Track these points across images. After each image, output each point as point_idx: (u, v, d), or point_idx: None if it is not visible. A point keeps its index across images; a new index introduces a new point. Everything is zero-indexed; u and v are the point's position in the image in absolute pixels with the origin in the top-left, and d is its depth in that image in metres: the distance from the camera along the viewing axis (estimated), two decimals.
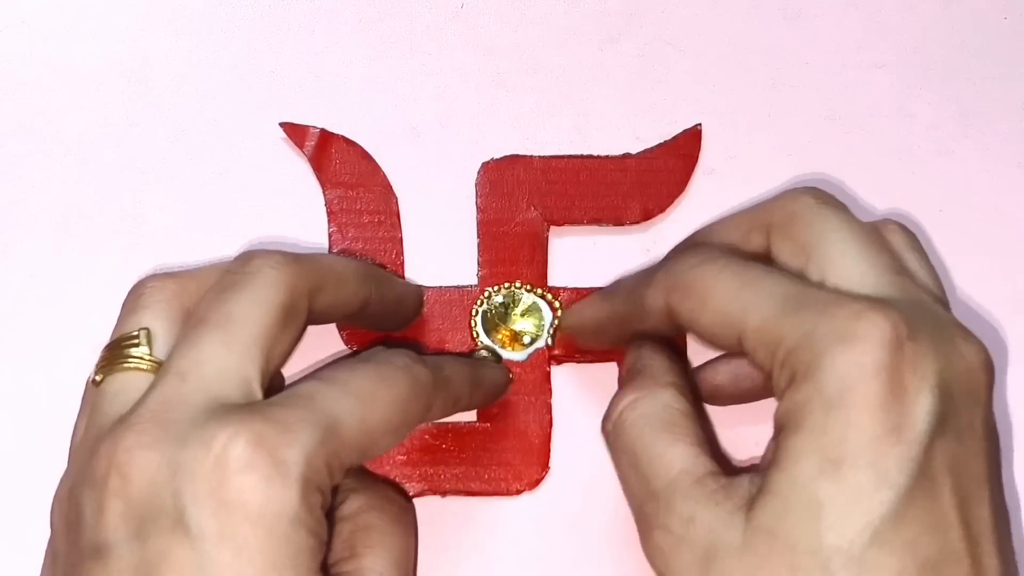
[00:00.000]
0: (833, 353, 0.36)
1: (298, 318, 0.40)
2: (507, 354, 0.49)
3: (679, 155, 0.51)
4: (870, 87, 0.53)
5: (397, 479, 0.48)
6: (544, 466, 0.49)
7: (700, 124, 0.52)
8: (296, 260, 0.40)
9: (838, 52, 0.53)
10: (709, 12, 0.53)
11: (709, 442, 0.42)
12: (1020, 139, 0.53)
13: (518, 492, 0.48)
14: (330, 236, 0.50)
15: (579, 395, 0.49)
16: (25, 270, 0.50)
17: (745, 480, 0.39)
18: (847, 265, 0.40)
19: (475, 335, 0.50)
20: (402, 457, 0.48)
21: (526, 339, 0.50)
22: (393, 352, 0.42)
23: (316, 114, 0.51)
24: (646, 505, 0.41)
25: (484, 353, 0.49)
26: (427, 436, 0.48)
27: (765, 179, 0.52)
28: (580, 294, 0.50)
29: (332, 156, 0.51)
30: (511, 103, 0.52)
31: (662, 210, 0.51)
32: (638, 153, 0.51)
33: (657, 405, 0.42)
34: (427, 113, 0.52)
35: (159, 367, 0.39)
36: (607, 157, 0.51)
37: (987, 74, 0.53)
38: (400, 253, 0.50)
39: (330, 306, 0.42)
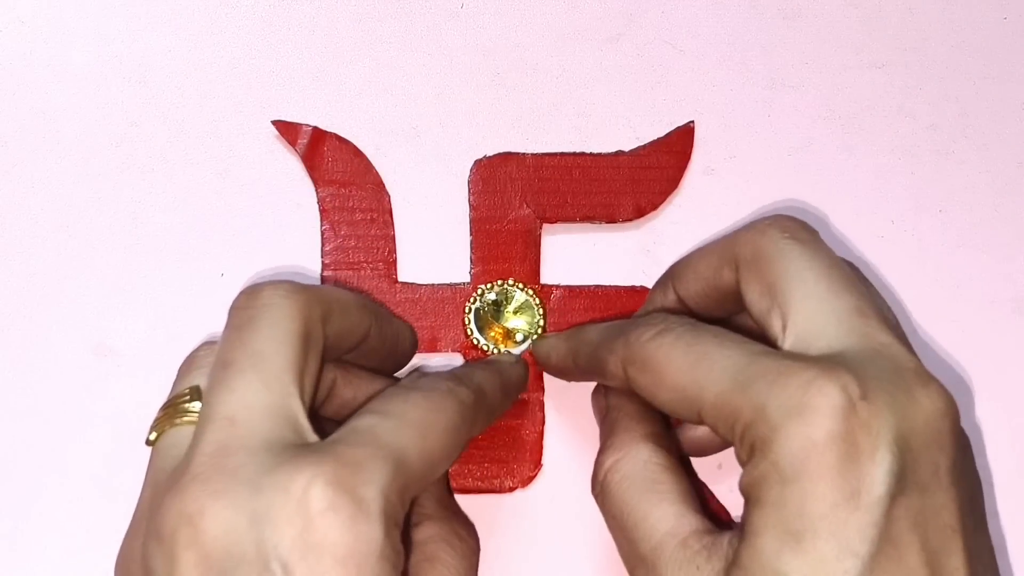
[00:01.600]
0: (786, 427, 0.36)
1: (317, 345, 0.40)
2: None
3: (672, 152, 0.51)
4: (870, 87, 0.53)
5: None
6: (537, 464, 0.49)
7: (693, 121, 0.52)
8: (303, 288, 0.40)
9: (838, 52, 0.53)
10: (709, 12, 0.53)
11: (693, 491, 0.42)
12: (1020, 139, 0.53)
13: (511, 489, 0.49)
14: (322, 234, 0.50)
15: (572, 393, 0.49)
16: (25, 270, 0.50)
17: (725, 541, 0.39)
18: (808, 313, 0.40)
19: (468, 332, 0.50)
20: None
21: (518, 336, 0.50)
22: (435, 378, 0.42)
23: (316, 114, 0.51)
24: (637, 569, 0.41)
25: (494, 350, 0.50)
26: None
27: (764, 179, 0.52)
28: (573, 292, 0.50)
29: (324, 154, 0.51)
30: (510, 103, 0.52)
31: (655, 207, 0.51)
32: (631, 150, 0.51)
33: (638, 464, 0.43)
34: (427, 113, 0.52)
35: None
36: (600, 154, 0.51)
37: (987, 74, 0.53)
38: (392, 251, 0.50)
39: (338, 334, 0.42)
